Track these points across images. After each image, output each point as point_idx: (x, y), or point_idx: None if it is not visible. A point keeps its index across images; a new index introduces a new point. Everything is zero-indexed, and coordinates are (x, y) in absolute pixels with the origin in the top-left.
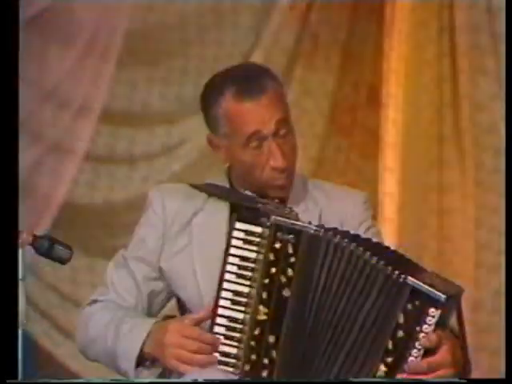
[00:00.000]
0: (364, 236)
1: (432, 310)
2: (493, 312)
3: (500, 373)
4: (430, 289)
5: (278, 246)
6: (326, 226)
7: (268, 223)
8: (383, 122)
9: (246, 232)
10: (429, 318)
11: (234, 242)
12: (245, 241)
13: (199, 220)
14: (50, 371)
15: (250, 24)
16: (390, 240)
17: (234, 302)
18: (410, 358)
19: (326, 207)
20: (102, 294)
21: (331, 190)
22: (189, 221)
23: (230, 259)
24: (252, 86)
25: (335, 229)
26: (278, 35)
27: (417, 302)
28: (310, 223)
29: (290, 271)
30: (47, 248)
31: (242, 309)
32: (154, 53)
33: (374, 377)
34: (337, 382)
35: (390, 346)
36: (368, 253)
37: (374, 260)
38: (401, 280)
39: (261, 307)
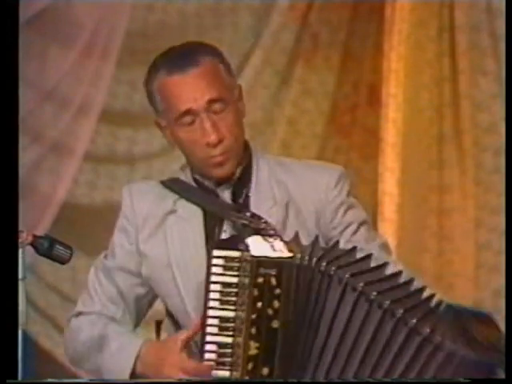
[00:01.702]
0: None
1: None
2: (493, 312)
3: None
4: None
5: (261, 280)
6: (311, 250)
7: (243, 247)
8: (383, 122)
9: (225, 258)
10: None
11: (214, 269)
12: (225, 267)
13: (173, 224)
14: (50, 371)
15: (249, 24)
16: (390, 240)
17: (221, 329)
18: None
19: (296, 194)
20: (87, 305)
21: (300, 172)
22: (160, 223)
23: (212, 287)
24: (184, 60)
25: (323, 252)
26: (278, 35)
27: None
28: (290, 247)
29: (276, 303)
30: (47, 248)
31: (231, 333)
32: (153, 53)
33: None
34: (337, 382)
35: None
36: (387, 302)
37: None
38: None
39: (251, 343)
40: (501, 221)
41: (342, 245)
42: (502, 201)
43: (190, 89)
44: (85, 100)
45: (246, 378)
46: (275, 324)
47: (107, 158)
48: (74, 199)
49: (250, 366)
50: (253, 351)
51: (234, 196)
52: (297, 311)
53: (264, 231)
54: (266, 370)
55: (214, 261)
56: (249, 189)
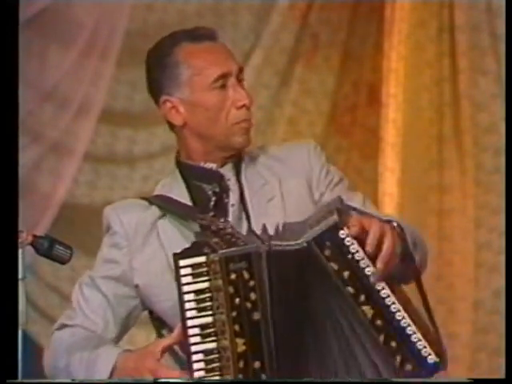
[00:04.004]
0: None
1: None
2: (493, 312)
3: (500, 373)
4: None
5: (233, 276)
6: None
7: (208, 250)
8: (383, 121)
9: (193, 266)
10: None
11: (184, 280)
12: (194, 275)
13: (165, 226)
14: None
15: (249, 24)
16: None
17: (203, 336)
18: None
19: (284, 173)
20: (70, 317)
21: (281, 154)
22: (151, 229)
23: (186, 297)
24: (205, 32)
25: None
26: (278, 35)
27: None
28: (253, 233)
29: (252, 295)
30: (47, 248)
31: (214, 338)
32: None
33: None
34: (336, 382)
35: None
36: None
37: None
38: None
39: (237, 340)
40: (501, 221)
41: (327, 198)
42: (501, 201)
43: (222, 55)
44: (85, 100)
45: (240, 376)
46: (256, 316)
47: (107, 158)
48: (74, 199)
49: (241, 363)
50: (241, 348)
51: (238, 176)
52: (274, 298)
53: (223, 231)
54: (257, 364)
55: (182, 271)
56: (240, 172)
